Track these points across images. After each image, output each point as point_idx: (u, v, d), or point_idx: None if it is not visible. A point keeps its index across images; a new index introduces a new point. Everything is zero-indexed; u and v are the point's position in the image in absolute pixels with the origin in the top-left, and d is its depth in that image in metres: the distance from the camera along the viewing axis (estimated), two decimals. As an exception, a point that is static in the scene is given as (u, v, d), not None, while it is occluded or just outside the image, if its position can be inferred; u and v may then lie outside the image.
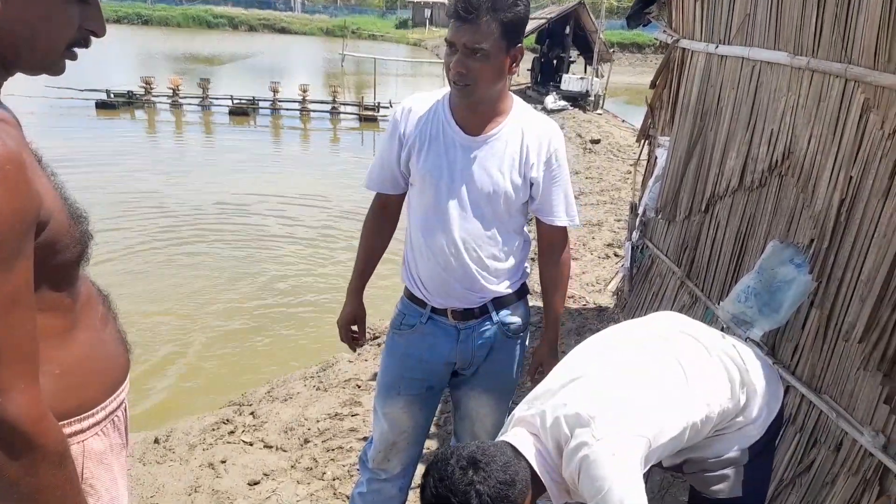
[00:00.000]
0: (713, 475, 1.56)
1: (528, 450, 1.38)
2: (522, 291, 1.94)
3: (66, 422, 0.95)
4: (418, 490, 2.41)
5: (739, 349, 1.58)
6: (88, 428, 1.00)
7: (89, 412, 0.99)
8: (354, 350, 2.16)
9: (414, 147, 1.78)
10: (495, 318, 1.87)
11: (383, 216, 1.97)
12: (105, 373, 1.04)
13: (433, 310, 1.86)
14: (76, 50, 0.95)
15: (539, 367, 2.01)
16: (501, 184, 1.75)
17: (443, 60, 1.76)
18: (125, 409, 1.13)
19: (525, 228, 1.93)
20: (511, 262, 1.86)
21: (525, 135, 1.76)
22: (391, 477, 2.01)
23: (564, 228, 1.89)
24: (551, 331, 1.98)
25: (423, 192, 1.80)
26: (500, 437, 1.45)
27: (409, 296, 1.91)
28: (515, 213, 1.83)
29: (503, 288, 1.87)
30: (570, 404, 1.34)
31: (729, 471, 1.54)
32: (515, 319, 1.91)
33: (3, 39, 0.86)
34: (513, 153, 1.75)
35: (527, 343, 2.02)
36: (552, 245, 1.91)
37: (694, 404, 1.41)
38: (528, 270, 1.99)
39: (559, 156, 1.81)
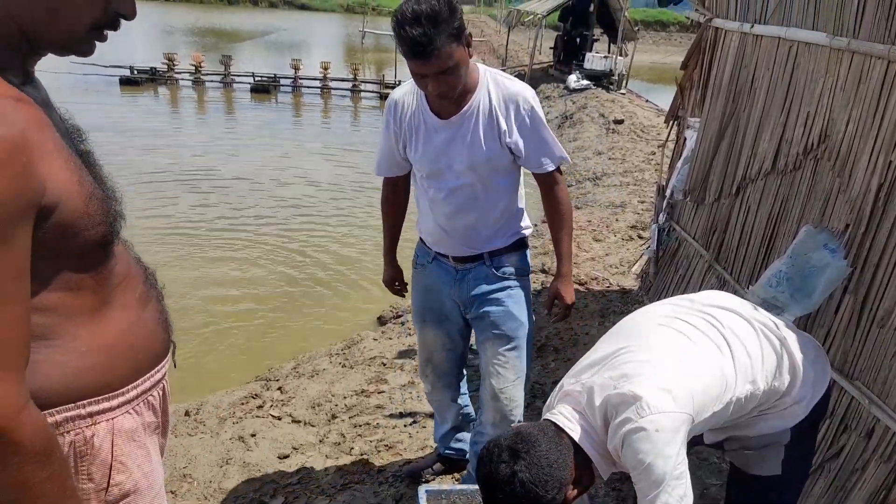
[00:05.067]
0: (753, 453, 1.58)
1: (573, 426, 1.41)
2: (518, 245, 2.11)
3: (93, 399, 0.96)
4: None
5: (779, 325, 1.57)
6: (118, 406, 1.00)
7: (119, 391, 1.00)
8: (403, 296, 2.45)
9: (405, 139, 2.00)
10: (488, 262, 2.08)
11: (396, 195, 2.23)
12: (138, 352, 1.04)
13: (437, 252, 2.13)
14: (105, 32, 0.94)
15: (555, 299, 2.15)
16: (481, 154, 1.92)
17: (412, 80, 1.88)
18: (163, 390, 1.13)
19: (519, 187, 2.07)
20: (504, 219, 2.06)
21: (493, 105, 1.90)
22: (435, 388, 2.37)
23: (553, 171, 2.02)
24: (563, 265, 2.11)
25: (418, 173, 2.05)
26: (545, 415, 1.49)
27: (421, 239, 2.21)
28: (502, 176, 1.99)
29: (498, 243, 2.07)
30: (617, 385, 1.36)
31: (769, 450, 1.55)
32: (508, 264, 2.10)
33: (26, 17, 0.85)
34: (485, 125, 1.90)
35: (530, 292, 2.17)
36: (547, 187, 2.06)
37: (738, 380, 1.42)
38: (526, 226, 2.13)
39: (531, 114, 1.91)
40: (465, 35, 1.74)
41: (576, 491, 1.40)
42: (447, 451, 2.51)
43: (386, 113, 2.04)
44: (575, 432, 1.41)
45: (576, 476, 1.39)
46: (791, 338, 1.55)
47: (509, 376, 2.14)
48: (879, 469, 2.05)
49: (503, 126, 1.90)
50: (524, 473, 1.31)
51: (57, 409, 0.92)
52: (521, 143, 1.92)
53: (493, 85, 1.90)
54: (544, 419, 1.47)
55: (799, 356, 1.52)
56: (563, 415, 1.44)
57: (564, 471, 1.36)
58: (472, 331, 2.27)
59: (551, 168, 2.00)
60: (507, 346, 2.12)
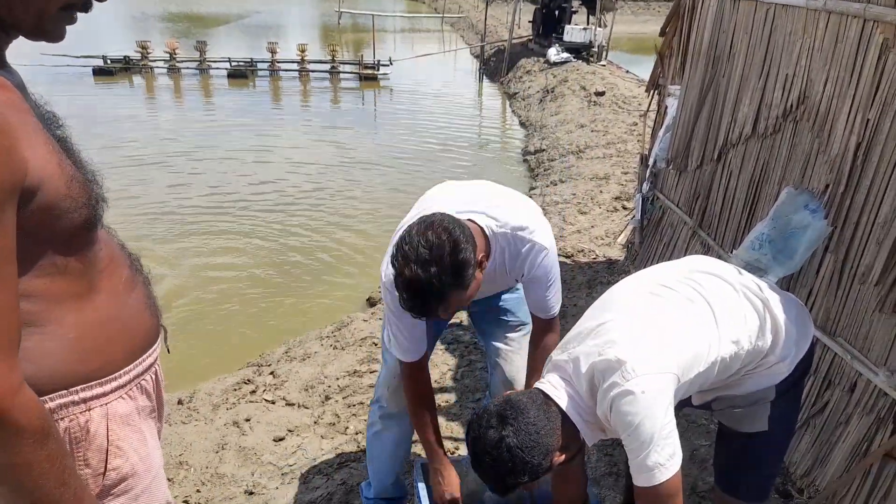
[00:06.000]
0: (741, 411, 1.61)
1: (559, 394, 1.44)
2: None
3: (86, 385, 0.96)
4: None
5: (762, 287, 1.59)
6: (112, 391, 1.00)
7: (111, 375, 1.00)
8: None
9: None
10: None
11: (421, 377, 1.86)
12: (128, 337, 1.04)
13: None
14: (76, 14, 0.92)
15: None
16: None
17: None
18: (156, 374, 1.13)
19: None
20: None
21: (507, 268, 1.74)
22: (402, 411, 2.03)
23: (550, 320, 1.88)
24: None
25: None
26: (536, 385, 1.52)
27: None
28: None
29: None
30: (602, 352, 1.38)
31: (756, 407, 1.59)
32: None
33: None
34: (501, 276, 1.76)
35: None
36: (542, 331, 1.89)
37: (721, 341, 1.45)
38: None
39: (539, 273, 1.75)
40: (481, 264, 1.53)
41: (563, 457, 1.43)
42: None
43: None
44: (561, 399, 1.43)
45: (563, 443, 1.42)
46: (773, 298, 1.58)
47: (521, 363, 2.06)
48: (862, 421, 2.11)
49: (516, 280, 1.83)
50: (511, 439, 1.34)
51: (50, 395, 0.92)
52: (528, 289, 1.83)
53: (506, 252, 1.70)
54: (533, 388, 1.50)
55: (781, 316, 1.54)
56: (551, 383, 1.47)
57: (551, 437, 1.39)
58: (473, 322, 2.22)
59: (548, 317, 1.86)
60: (520, 332, 2.06)
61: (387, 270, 1.63)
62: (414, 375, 1.82)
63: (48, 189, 0.86)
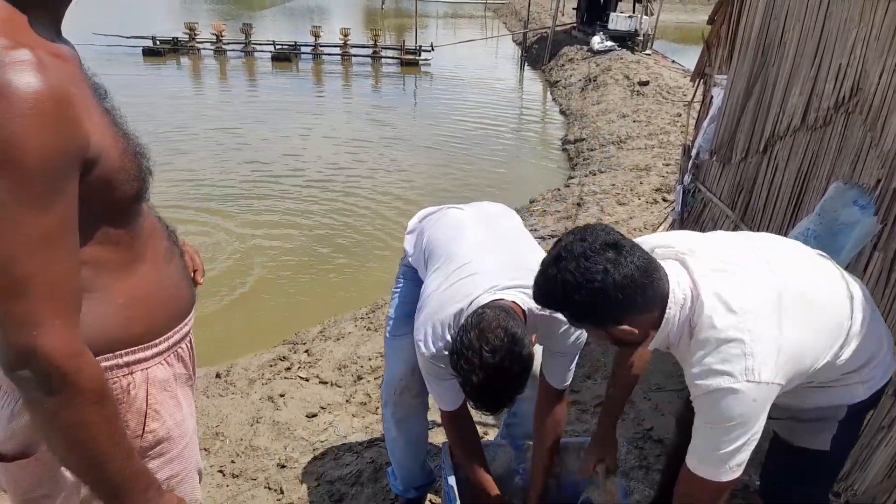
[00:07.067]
0: (803, 425, 1.50)
1: (678, 293, 1.28)
2: None
3: (130, 349, 1.00)
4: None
5: (867, 296, 1.45)
6: (152, 357, 1.03)
7: (153, 342, 1.03)
8: None
9: None
10: None
11: (465, 425, 1.81)
12: (168, 305, 1.08)
13: None
14: None
15: None
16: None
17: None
18: (190, 342, 1.17)
19: None
20: None
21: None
22: (410, 414, 2.03)
23: (562, 390, 1.81)
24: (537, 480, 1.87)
25: None
26: (660, 261, 1.33)
27: None
28: None
29: None
30: (741, 320, 1.24)
31: (822, 424, 1.47)
32: None
33: None
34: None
35: None
36: (552, 401, 1.82)
37: (829, 353, 1.34)
38: None
39: (570, 351, 1.74)
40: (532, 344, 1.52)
41: (628, 332, 1.27)
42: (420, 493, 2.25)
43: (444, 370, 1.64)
44: (676, 297, 1.27)
45: (641, 324, 1.27)
46: (870, 315, 1.43)
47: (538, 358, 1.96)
48: (906, 426, 2.04)
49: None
50: (612, 267, 1.18)
51: (97, 358, 0.95)
52: (548, 359, 1.78)
53: (539, 331, 1.67)
54: (658, 262, 1.31)
55: (878, 338, 1.42)
56: (678, 280, 1.29)
57: (642, 306, 1.24)
58: None
59: (557, 386, 1.80)
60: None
61: (425, 341, 1.61)
62: (455, 423, 1.77)
63: (105, 161, 0.89)
